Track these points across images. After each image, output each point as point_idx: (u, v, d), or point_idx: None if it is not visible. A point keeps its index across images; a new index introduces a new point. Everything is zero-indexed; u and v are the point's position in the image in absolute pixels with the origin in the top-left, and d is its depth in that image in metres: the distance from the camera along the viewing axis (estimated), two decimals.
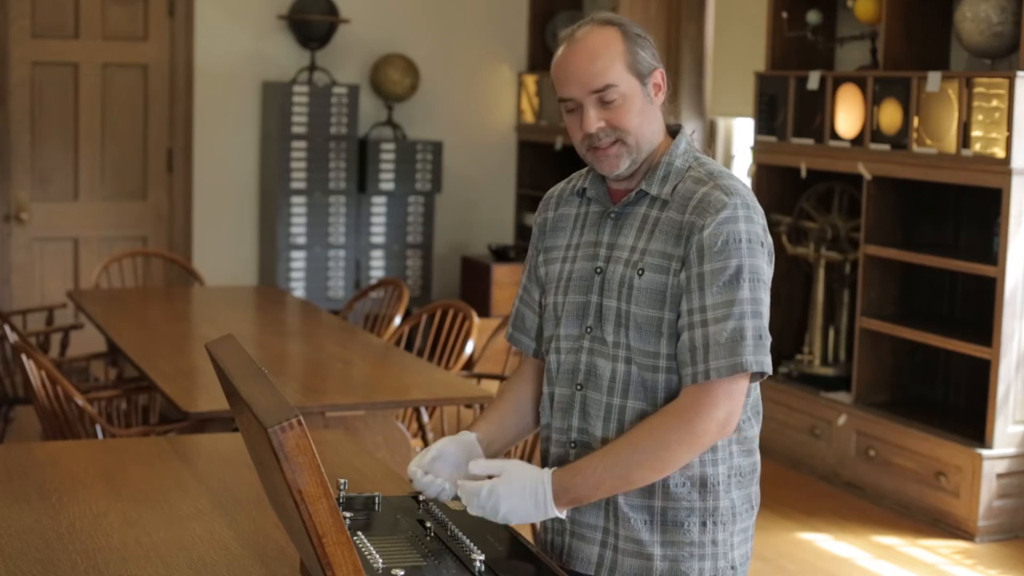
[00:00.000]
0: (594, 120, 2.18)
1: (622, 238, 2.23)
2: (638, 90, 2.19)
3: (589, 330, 2.24)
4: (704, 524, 2.21)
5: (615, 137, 2.19)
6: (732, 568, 2.24)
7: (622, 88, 2.17)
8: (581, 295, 2.25)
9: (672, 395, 2.18)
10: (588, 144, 2.21)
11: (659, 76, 2.22)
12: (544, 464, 2.33)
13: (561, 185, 2.41)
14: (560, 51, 2.22)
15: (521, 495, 2.12)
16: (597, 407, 2.22)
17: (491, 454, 2.31)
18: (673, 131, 2.29)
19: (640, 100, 2.20)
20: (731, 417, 2.14)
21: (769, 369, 2.16)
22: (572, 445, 2.26)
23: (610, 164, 2.21)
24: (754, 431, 2.27)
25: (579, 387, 2.24)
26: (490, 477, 2.17)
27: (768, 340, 2.16)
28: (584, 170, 2.37)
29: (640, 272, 2.18)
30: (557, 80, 2.22)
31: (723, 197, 2.15)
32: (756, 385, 2.27)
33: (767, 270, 2.19)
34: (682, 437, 2.12)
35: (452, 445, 2.27)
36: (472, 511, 2.15)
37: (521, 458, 4.43)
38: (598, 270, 2.24)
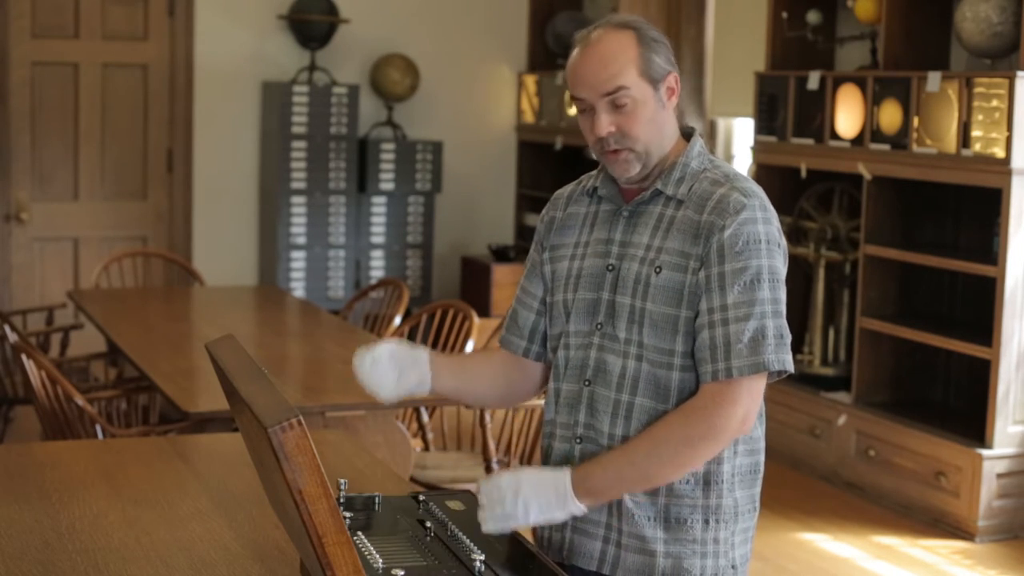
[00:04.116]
0: (605, 124, 2.19)
1: (636, 236, 2.24)
2: (650, 95, 2.20)
3: (600, 326, 2.25)
4: (707, 522, 2.22)
5: (624, 145, 2.20)
6: (733, 567, 2.25)
7: (633, 93, 2.18)
8: (592, 292, 2.26)
9: (684, 393, 2.19)
10: (600, 147, 2.23)
11: (673, 80, 2.23)
12: (546, 462, 2.34)
13: (571, 186, 2.42)
14: (575, 53, 2.23)
15: (543, 490, 2.14)
16: (605, 403, 2.22)
17: (435, 387, 2.33)
18: (686, 133, 2.30)
19: (652, 106, 2.20)
20: (749, 415, 2.16)
21: (790, 367, 2.18)
22: (577, 440, 2.26)
23: (621, 168, 2.23)
24: (759, 431, 2.28)
25: (587, 383, 2.25)
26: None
27: (788, 338, 2.18)
28: (595, 171, 2.38)
29: (657, 270, 2.19)
30: (570, 81, 2.23)
31: (742, 198, 2.17)
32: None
33: (783, 270, 2.21)
34: (704, 433, 2.13)
35: (398, 351, 2.28)
36: (490, 525, 2.13)
37: (521, 459, 4.42)
38: (610, 267, 2.25)
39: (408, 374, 2.29)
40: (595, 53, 2.19)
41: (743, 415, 2.15)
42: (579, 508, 2.16)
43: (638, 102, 2.19)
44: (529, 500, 2.14)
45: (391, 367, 2.28)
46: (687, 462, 2.15)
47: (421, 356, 2.32)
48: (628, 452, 2.16)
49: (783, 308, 2.19)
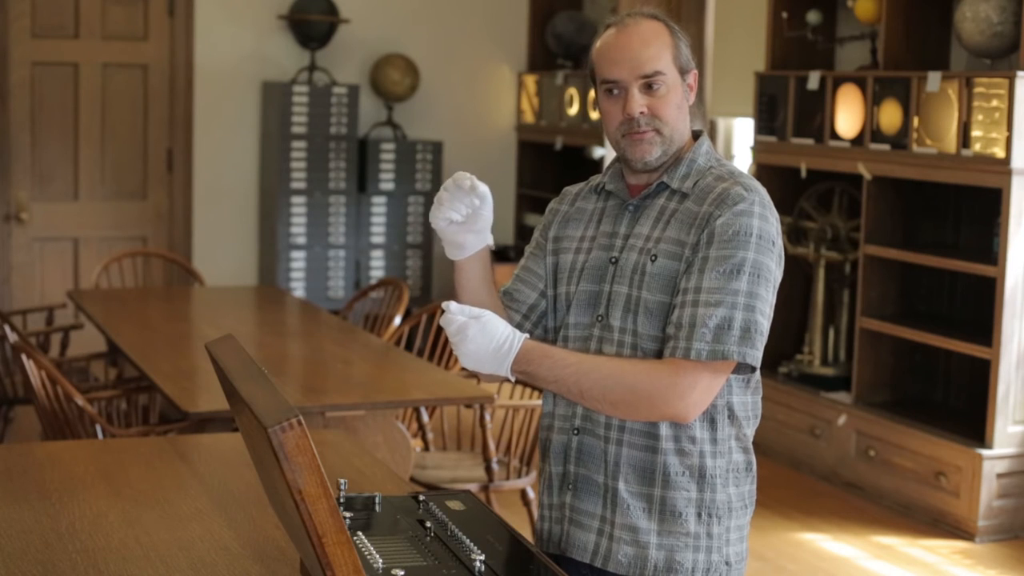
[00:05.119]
0: (639, 103, 2.21)
1: (638, 227, 2.26)
2: (679, 84, 2.25)
3: (600, 319, 2.26)
4: (700, 515, 2.23)
5: (654, 126, 2.23)
6: (726, 564, 2.26)
7: (667, 78, 2.22)
8: (594, 284, 2.28)
9: None
10: (625, 129, 2.24)
11: (693, 77, 2.28)
12: (544, 455, 2.35)
13: (580, 184, 2.45)
14: (608, 35, 2.26)
15: (487, 343, 2.13)
16: None
17: (463, 267, 2.35)
18: (694, 134, 2.34)
19: (679, 94, 2.25)
20: (699, 405, 2.15)
21: (755, 362, 2.15)
22: (575, 432, 2.28)
23: (643, 150, 2.24)
24: (752, 431, 2.29)
25: None
26: None
27: (760, 336, 2.15)
28: (602, 172, 2.41)
29: (653, 258, 2.21)
30: (604, 62, 2.24)
31: (742, 192, 2.19)
32: (759, 387, 2.29)
33: (775, 270, 2.20)
34: (652, 394, 2.13)
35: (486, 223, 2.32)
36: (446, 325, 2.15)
37: (521, 459, 4.42)
38: (613, 260, 2.27)
39: (466, 234, 2.31)
40: (634, 35, 2.22)
41: (695, 402, 2.14)
42: (507, 374, 2.16)
43: (670, 88, 2.23)
44: (466, 341, 2.12)
45: (469, 212, 2.30)
46: (622, 408, 2.15)
47: (487, 238, 2.33)
48: (584, 362, 2.17)
49: (761, 304, 2.16)
